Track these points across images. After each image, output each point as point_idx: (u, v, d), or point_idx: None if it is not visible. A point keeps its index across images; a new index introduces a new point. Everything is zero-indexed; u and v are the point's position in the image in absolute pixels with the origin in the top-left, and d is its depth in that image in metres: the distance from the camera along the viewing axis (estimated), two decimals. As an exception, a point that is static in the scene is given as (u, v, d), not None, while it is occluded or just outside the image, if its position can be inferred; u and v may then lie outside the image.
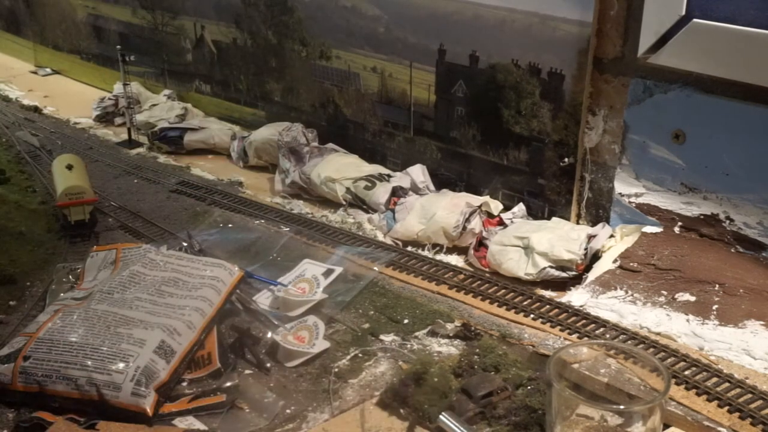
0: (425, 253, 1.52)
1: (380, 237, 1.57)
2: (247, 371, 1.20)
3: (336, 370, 1.20)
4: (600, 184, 1.50)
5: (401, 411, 1.10)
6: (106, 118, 2.26)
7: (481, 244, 1.50)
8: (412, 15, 1.69)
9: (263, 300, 1.37)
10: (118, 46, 2.15)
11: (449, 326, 1.27)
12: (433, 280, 1.41)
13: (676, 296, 1.28)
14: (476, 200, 1.57)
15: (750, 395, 1.07)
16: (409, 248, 1.54)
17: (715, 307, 1.25)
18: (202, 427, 1.09)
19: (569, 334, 1.23)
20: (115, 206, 1.72)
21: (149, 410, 1.07)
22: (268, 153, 1.90)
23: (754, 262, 1.33)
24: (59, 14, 2.65)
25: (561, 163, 1.53)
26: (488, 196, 1.61)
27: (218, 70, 2.18)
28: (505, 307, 1.32)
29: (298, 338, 1.25)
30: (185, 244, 1.49)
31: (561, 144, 1.52)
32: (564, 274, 1.39)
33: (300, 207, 1.72)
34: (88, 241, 1.56)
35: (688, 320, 1.23)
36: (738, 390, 1.08)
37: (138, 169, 1.93)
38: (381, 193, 1.64)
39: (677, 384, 1.10)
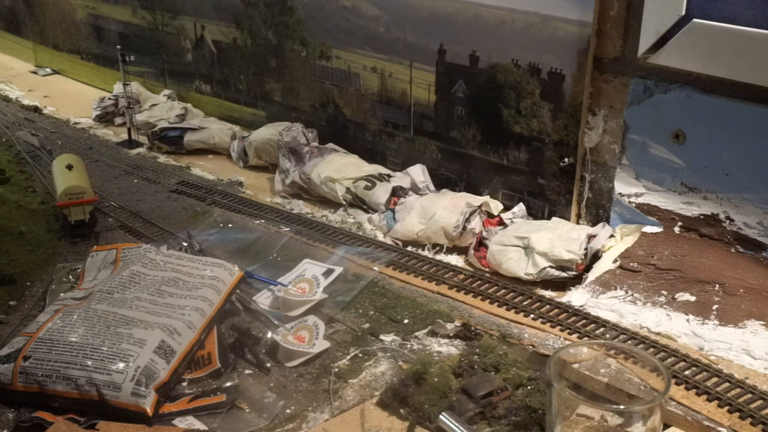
0: (425, 253, 1.52)
1: (380, 237, 1.57)
2: (247, 371, 1.20)
3: (336, 370, 1.20)
4: (600, 184, 1.50)
5: (401, 411, 1.10)
6: (106, 118, 2.26)
7: (481, 244, 1.50)
8: (412, 15, 1.69)
9: (263, 300, 1.37)
10: (118, 46, 2.15)
11: (449, 326, 1.27)
12: (433, 280, 1.41)
13: (676, 296, 1.28)
14: (476, 200, 1.57)
15: (750, 395, 1.07)
16: (409, 248, 1.54)
17: (715, 307, 1.25)
18: (202, 427, 1.09)
19: (569, 334, 1.23)
20: (115, 206, 1.72)
21: (149, 410, 1.07)
22: (268, 153, 1.90)
23: (754, 262, 1.33)
24: (59, 14, 2.65)
25: (561, 163, 1.53)
26: (488, 196, 1.61)
27: (218, 70, 2.18)
28: (505, 307, 1.32)
29: (298, 338, 1.25)
30: (185, 244, 1.49)
31: (561, 144, 1.52)
32: (564, 274, 1.39)
33: (300, 207, 1.72)
34: (88, 241, 1.56)
35: (688, 320, 1.23)
36: (738, 390, 1.08)
37: (138, 169, 1.93)
38: (381, 193, 1.64)
39: (677, 384, 1.10)
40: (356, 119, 1.89)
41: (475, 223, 1.52)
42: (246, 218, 1.65)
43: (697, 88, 1.33)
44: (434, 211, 1.54)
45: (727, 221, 1.36)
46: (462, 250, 1.53)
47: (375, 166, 1.76)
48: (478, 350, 1.19)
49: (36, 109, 2.35)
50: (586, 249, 1.40)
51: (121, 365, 1.09)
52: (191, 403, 1.12)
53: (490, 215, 1.56)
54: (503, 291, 1.37)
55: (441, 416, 1.05)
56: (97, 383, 1.08)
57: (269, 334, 1.26)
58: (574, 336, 1.23)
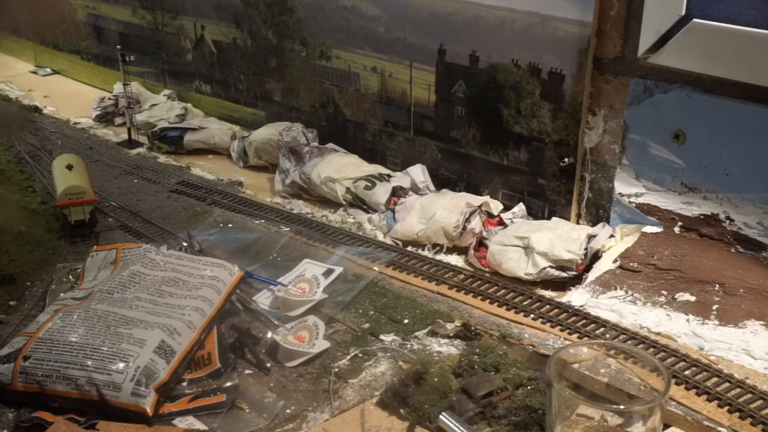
0: (425, 253, 1.52)
1: (380, 237, 1.57)
2: (247, 371, 1.20)
3: (336, 370, 1.20)
4: (600, 184, 1.50)
5: (401, 411, 1.10)
6: (106, 118, 2.26)
7: (481, 244, 1.50)
8: (412, 15, 1.69)
9: (263, 300, 1.37)
10: (118, 46, 2.15)
11: (449, 326, 1.27)
12: (433, 280, 1.41)
13: (676, 296, 1.28)
14: (476, 200, 1.57)
15: (750, 395, 1.07)
16: (409, 248, 1.53)
17: (715, 307, 1.25)
18: (202, 427, 1.09)
19: (569, 334, 1.23)
20: (115, 206, 1.72)
21: (149, 410, 1.07)
22: (268, 153, 1.90)
23: (754, 262, 1.33)
24: (59, 14, 2.65)
25: (561, 163, 1.53)
26: (488, 196, 1.61)
27: (218, 70, 2.18)
28: (505, 307, 1.32)
29: (298, 338, 1.25)
30: (185, 244, 1.49)
31: (561, 144, 1.52)
32: (564, 274, 1.39)
33: (300, 207, 1.72)
34: (88, 241, 1.56)
35: (688, 320, 1.23)
36: (738, 390, 1.08)
37: (138, 169, 1.93)
38: (381, 193, 1.64)
39: (677, 384, 1.10)
40: (356, 119, 1.89)
41: (475, 223, 1.52)
42: (246, 218, 1.65)
43: (697, 88, 1.33)
44: (434, 211, 1.54)
45: (727, 221, 1.36)
46: (462, 250, 1.53)
47: (375, 166, 1.76)
48: (478, 350, 1.19)
49: (36, 109, 2.35)
50: (586, 249, 1.40)
51: (121, 365, 1.09)
52: (191, 403, 1.12)
53: (490, 215, 1.56)
54: (503, 291, 1.37)
55: (441, 416, 1.05)
56: (97, 383, 1.08)
57: (269, 334, 1.26)
58: (574, 336, 1.23)
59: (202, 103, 2.25)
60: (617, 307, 1.27)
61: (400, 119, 1.79)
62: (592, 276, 1.37)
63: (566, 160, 1.52)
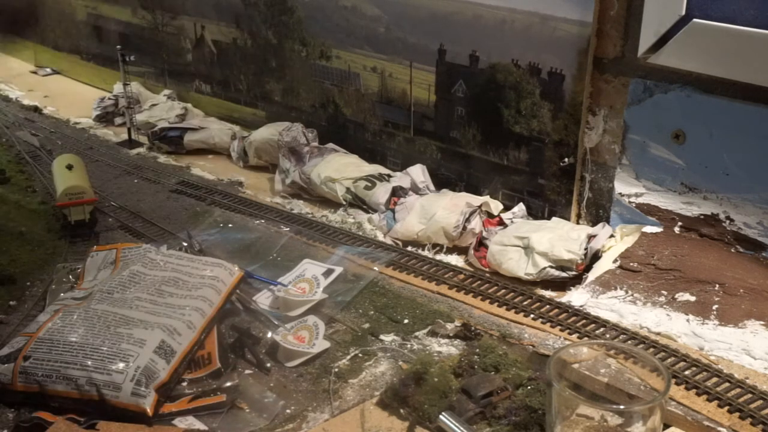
0: (425, 253, 1.52)
1: (380, 237, 1.57)
2: (247, 371, 1.20)
3: (336, 370, 1.20)
4: (600, 184, 1.50)
5: (401, 411, 1.10)
6: (106, 118, 2.26)
7: (481, 244, 1.50)
8: (412, 15, 1.69)
9: (263, 300, 1.37)
10: (118, 46, 2.15)
11: (449, 326, 1.27)
12: (433, 280, 1.41)
13: (676, 296, 1.28)
14: (476, 200, 1.57)
15: (750, 395, 1.07)
16: (409, 248, 1.53)
17: (715, 307, 1.25)
18: (202, 427, 1.09)
19: (569, 334, 1.23)
20: (115, 206, 1.72)
21: (149, 410, 1.07)
22: (268, 153, 1.90)
23: (754, 262, 1.33)
24: (59, 14, 2.65)
25: (561, 163, 1.53)
26: (488, 196, 1.61)
27: (218, 70, 2.18)
28: (505, 307, 1.32)
29: (298, 338, 1.25)
30: (185, 244, 1.49)
31: (561, 144, 1.52)
32: (564, 274, 1.39)
33: (300, 207, 1.72)
34: (88, 241, 1.56)
35: (688, 320, 1.23)
36: (738, 390, 1.08)
37: (138, 169, 1.93)
38: (381, 193, 1.64)
39: (677, 384, 1.10)
40: (356, 119, 1.89)
41: (475, 223, 1.52)
42: (246, 218, 1.65)
43: (697, 88, 1.33)
44: (434, 211, 1.54)
45: (727, 221, 1.36)
46: (462, 250, 1.53)
47: (375, 166, 1.76)
48: (478, 350, 1.19)
49: (36, 109, 2.35)
50: (586, 249, 1.40)
51: (121, 365, 1.09)
52: (191, 403, 1.12)
53: (490, 215, 1.56)
54: (503, 291, 1.37)
55: (441, 416, 1.05)
56: (97, 383, 1.08)
57: (269, 334, 1.26)
58: (574, 336, 1.23)
59: (202, 103, 2.25)
60: (617, 307, 1.27)
61: (400, 119, 1.79)
62: (592, 276, 1.37)
63: (566, 160, 1.52)
